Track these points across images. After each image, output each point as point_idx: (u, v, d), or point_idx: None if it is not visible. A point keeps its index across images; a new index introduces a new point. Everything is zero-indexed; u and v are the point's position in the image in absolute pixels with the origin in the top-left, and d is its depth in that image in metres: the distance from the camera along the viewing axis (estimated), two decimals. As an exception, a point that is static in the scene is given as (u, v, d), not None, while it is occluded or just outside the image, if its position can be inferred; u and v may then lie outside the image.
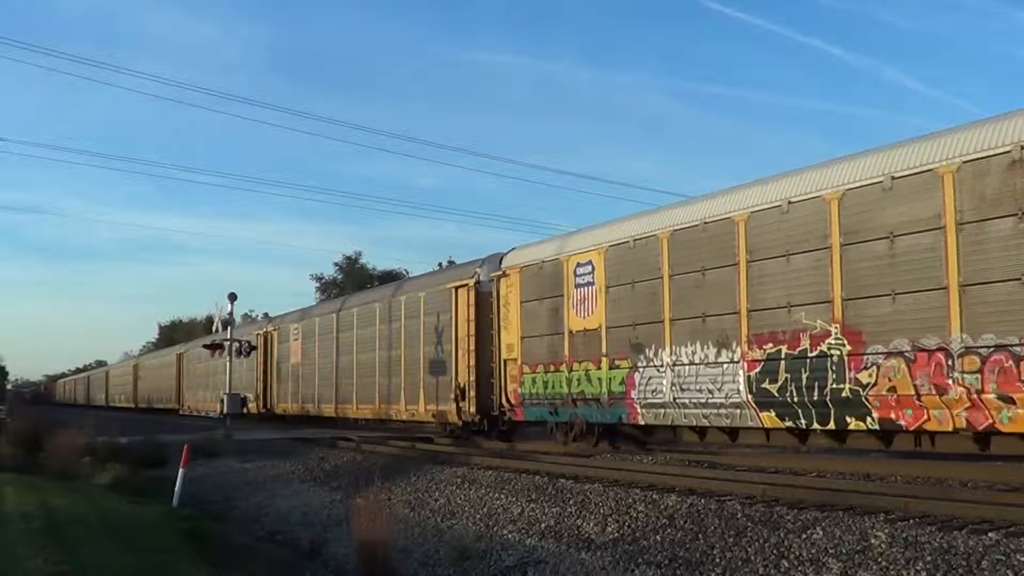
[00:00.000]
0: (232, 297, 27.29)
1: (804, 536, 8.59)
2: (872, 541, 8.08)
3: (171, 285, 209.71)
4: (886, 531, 8.24)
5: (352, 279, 61.57)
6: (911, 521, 8.62)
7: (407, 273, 58.21)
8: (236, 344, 27.44)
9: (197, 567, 9.53)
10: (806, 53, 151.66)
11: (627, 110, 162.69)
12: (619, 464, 14.91)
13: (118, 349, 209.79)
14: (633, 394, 15.73)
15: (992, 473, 11.75)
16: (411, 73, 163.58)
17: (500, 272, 19.85)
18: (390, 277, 57.25)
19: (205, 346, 33.00)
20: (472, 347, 20.37)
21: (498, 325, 19.68)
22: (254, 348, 29.23)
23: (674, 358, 14.90)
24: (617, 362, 16.21)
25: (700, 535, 9.27)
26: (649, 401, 15.43)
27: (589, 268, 17.11)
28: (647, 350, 15.48)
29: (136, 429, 28.01)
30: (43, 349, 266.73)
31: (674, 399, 14.89)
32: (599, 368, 16.61)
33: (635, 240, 16.03)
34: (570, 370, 17.38)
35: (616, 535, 9.87)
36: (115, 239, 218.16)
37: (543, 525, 10.73)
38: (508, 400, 19.39)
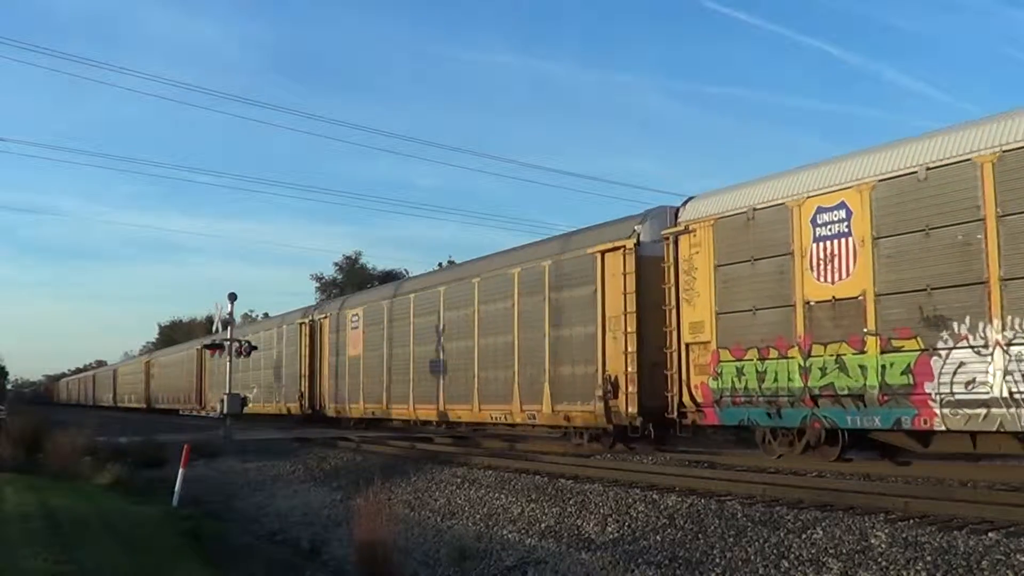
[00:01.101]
0: (232, 297, 27.25)
1: (804, 536, 8.59)
2: (872, 541, 8.08)
3: (171, 285, 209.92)
4: (886, 531, 8.24)
5: (352, 279, 61.56)
6: (911, 521, 8.63)
7: (407, 273, 58.24)
8: (236, 344, 27.40)
9: (197, 567, 9.53)
10: (806, 53, 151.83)
11: (627, 110, 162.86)
12: (619, 464, 14.91)
13: (118, 349, 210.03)
14: (928, 387, 11.70)
15: (992, 473, 11.76)
16: (411, 73, 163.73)
17: (677, 228, 15.59)
18: (390, 277, 57.27)
19: (206, 346, 32.93)
20: (631, 328, 15.97)
21: (675, 298, 15.43)
22: (254, 348, 29.05)
23: (1010, 334, 10.85)
24: (896, 343, 12.11)
25: (700, 535, 9.27)
26: (960, 398, 11.33)
27: (840, 214, 13.01)
28: (955, 324, 11.42)
29: (136, 429, 28.02)
30: (43, 349, 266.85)
31: (1011, 394, 10.84)
32: (861, 352, 12.51)
33: (928, 169, 11.93)
34: (807, 355, 13.26)
35: (616, 535, 9.87)
36: (115, 239, 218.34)
37: (543, 525, 10.73)
38: (692, 397, 15.11)
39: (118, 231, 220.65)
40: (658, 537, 9.48)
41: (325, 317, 30.44)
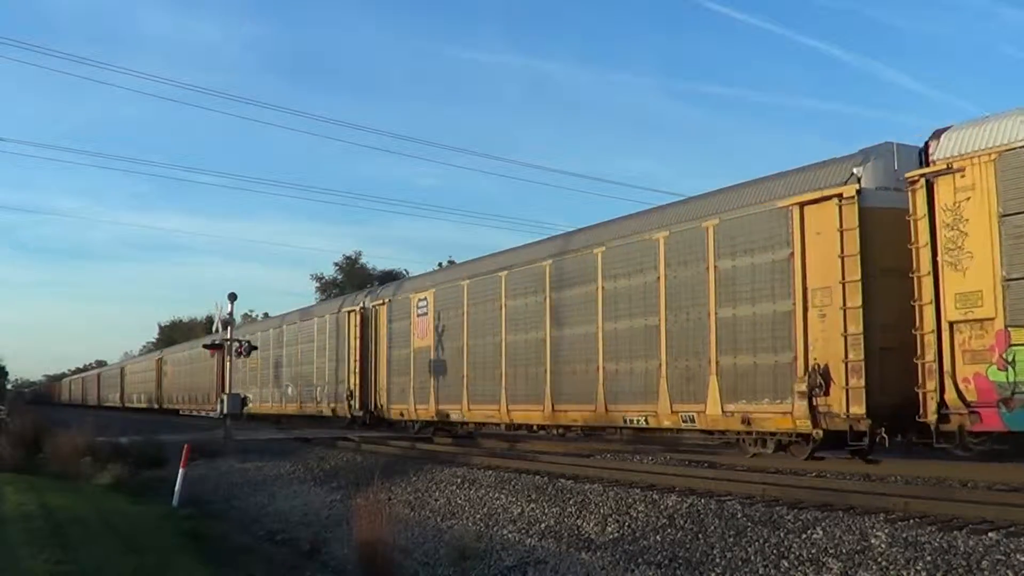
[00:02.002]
0: (232, 297, 27.24)
1: (804, 536, 8.59)
2: (872, 541, 8.08)
3: (171, 285, 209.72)
4: (886, 531, 8.24)
5: (352, 279, 61.57)
6: (911, 521, 8.63)
7: (407, 273, 58.24)
8: (236, 344, 27.39)
9: (197, 567, 9.54)
10: (805, 53, 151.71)
11: (627, 110, 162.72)
12: (619, 464, 14.91)
13: (118, 349, 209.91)
14: None
15: (992, 473, 11.75)
16: (411, 73, 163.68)
17: (933, 169, 11.72)
18: (390, 277, 57.23)
19: (205, 346, 32.78)
20: (853, 302, 12.42)
21: (930, 262, 11.62)
22: (254, 348, 29.04)
23: None
24: None
25: (700, 535, 9.27)
26: None
27: None
28: None
29: (137, 429, 28.02)
30: (43, 349, 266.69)
31: None
32: None
33: None
34: None
35: (616, 535, 9.87)
36: (115, 239, 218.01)
37: (543, 525, 10.73)
38: (958, 393, 11.26)
39: (118, 231, 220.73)
40: (658, 537, 9.48)
41: (381, 303, 25.96)
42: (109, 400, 72.35)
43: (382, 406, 25.52)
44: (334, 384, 28.68)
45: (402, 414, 24.68)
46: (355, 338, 27.18)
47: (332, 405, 28.73)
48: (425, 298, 23.53)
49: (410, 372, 23.89)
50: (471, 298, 21.30)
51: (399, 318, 24.86)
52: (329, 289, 62.90)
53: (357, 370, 26.85)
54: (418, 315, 23.66)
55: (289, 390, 32.80)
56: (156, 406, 54.38)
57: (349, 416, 27.42)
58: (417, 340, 23.60)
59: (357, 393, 26.89)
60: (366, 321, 26.92)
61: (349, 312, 28.00)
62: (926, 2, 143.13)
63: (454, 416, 21.90)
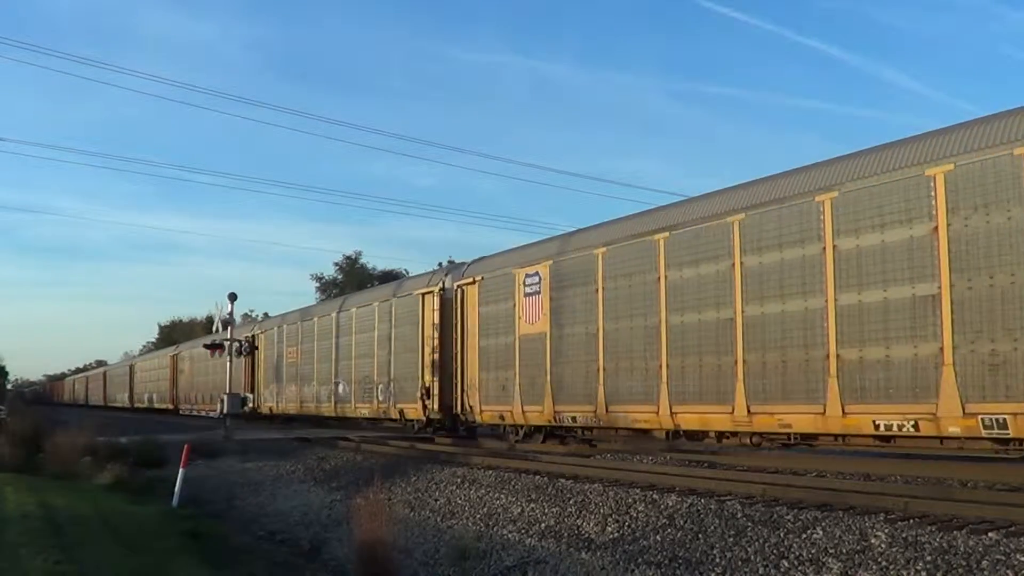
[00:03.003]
0: (232, 297, 27.32)
1: (804, 536, 8.59)
2: (872, 541, 8.08)
3: (171, 285, 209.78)
4: (886, 531, 8.24)
5: (352, 279, 61.58)
6: (911, 521, 8.63)
7: (407, 273, 58.20)
8: (236, 344, 27.41)
9: (197, 567, 9.53)
10: (805, 53, 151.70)
11: (626, 110, 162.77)
12: (619, 464, 14.90)
13: (118, 349, 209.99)
14: None
15: (992, 473, 11.74)
16: (410, 73, 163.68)
17: None
18: (390, 277, 57.23)
19: (205, 346, 32.75)
20: None
21: None
22: (255, 348, 29.09)
23: None
24: None
25: (700, 535, 9.27)
26: None
27: None
28: None
29: (137, 429, 28.03)
30: (43, 349, 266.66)
31: None
32: None
33: None
34: None
35: (616, 535, 9.87)
36: (115, 239, 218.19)
37: (543, 525, 10.73)
38: None
39: (118, 231, 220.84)
40: (658, 537, 9.48)
41: (470, 282, 21.14)
42: (116, 400, 68.51)
43: (471, 407, 20.64)
44: (402, 382, 24.06)
45: (502, 417, 19.68)
46: (432, 325, 22.58)
47: (399, 406, 24.13)
48: (536, 273, 18.76)
49: (513, 365, 19.11)
50: (610, 270, 16.64)
51: (496, 299, 20.08)
52: (329, 289, 62.91)
53: (435, 364, 22.30)
54: (526, 294, 19.03)
55: (340, 388, 28.11)
56: (171, 406, 49.92)
57: (423, 419, 22.99)
58: (525, 325, 18.96)
59: (435, 392, 22.27)
60: (447, 305, 22.20)
61: (424, 295, 23.23)
62: (926, 2, 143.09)
63: (583, 419, 17.13)
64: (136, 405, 60.48)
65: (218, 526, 12.95)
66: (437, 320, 22.46)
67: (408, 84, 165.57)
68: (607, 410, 16.34)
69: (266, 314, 67.98)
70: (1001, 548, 7.36)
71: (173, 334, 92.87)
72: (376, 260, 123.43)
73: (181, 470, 14.96)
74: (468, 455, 17.59)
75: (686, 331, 14.93)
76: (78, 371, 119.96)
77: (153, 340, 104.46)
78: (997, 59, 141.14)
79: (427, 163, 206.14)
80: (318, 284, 65.91)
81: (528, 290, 19.09)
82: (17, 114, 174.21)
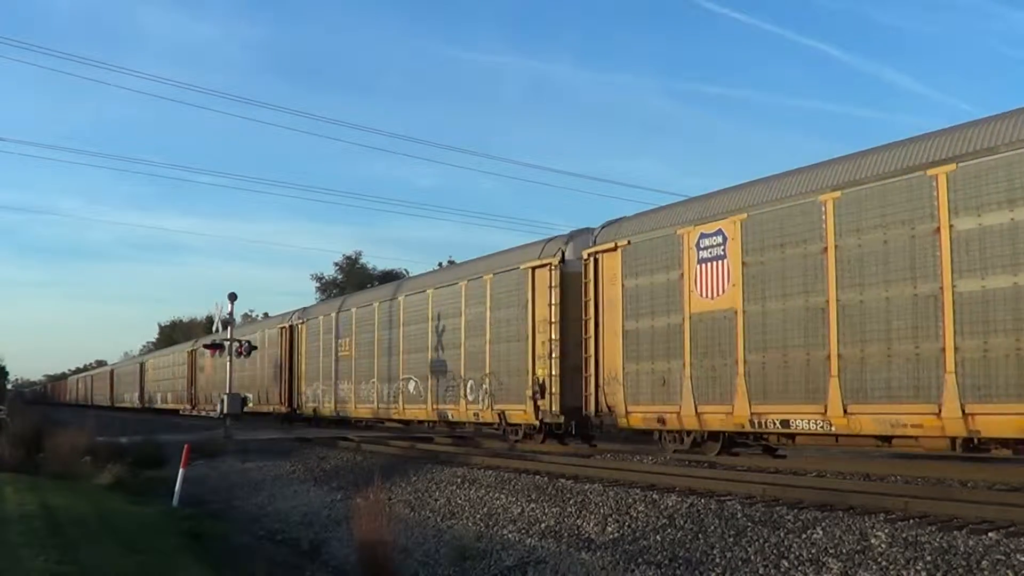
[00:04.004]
0: (232, 297, 27.28)
1: (804, 536, 8.59)
2: (872, 541, 8.08)
3: (171, 285, 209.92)
4: (886, 531, 8.24)
5: (352, 279, 61.58)
6: (911, 521, 8.63)
7: (407, 273, 58.16)
8: (236, 344, 27.40)
9: (197, 567, 9.54)
10: (806, 54, 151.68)
11: (626, 110, 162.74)
12: (619, 464, 14.89)
13: (118, 349, 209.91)
14: None
15: (992, 473, 11.74)
16: (410, 73, 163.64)
17: None
18: (390, 277, 57.23)
19: (206, 346, 32.64)
20: None
21: None
22: (254, 348, 29.02)
23: None
24: None
25: (700, 535, 9.27)
26: None
27: None
28: None
29: (137, 429, 28.03)
30: (43, 349, 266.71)
31: None
32: None
33: None
34: None
35: (616, 535, 9.87)
36: (115, 239, 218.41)
37: (543, 525, 10.73)
38: None
39: (118, 231, 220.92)
40: (658, 537, 9.48)
41: (608, 248, 16.81)
42: (125, 400, 64.33)
43: (611, 408, 16.51)
44: (503, 377, 19.61)
45: (662, 420, 15.42)
46: (549, 306, 18.07)
47: (499, 408, 19.64)
48: (719, 232, 14.61)
49: (680, 352, 15.02)
50: (847, 221, 12.57)
51: (651, 268, 15.86)
52: (329, 289, 62.93)
53: (553, 354, 17.93)
54: (701, 260, 14.86)
55: (411, 386, 23.63)
56: (189, 407, 45.42)
57: (535, 422, 18.50)
58: (700, 300, 14.79)
59: (554, 389, 17.91)
60: (571, 280, 17.89)
61: (535, 269, 18.77)
62: (926, 2, 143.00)
63: (803, 422, 12.91)
64: (147, 405, 56.83)
65: (218, 526, 12.96)
66: (556, 299, 17.94)
67: (408, 84, 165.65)
68: (845, 410, 12.29)
69: (266, 314, 68.00)
70: (1001, 548, 7.36)
71: (173, 334, 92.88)
72: (376, 260, 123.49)
73: (181, 470, 14.97)
74: (468, 455, 17.60)
75: (990, 301, 10.88)
76: (78, 371, 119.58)
77: (153, 340, 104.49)
78: (997, 59, 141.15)
79: (427, 163, 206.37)
80: (318, 284, 65.94)
81: (705, 254, 14.80)
82: (17, 114, 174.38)
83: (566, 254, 18.30)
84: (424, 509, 12.79)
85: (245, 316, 68.50)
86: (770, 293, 13.57)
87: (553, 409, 17.85)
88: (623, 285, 16.44)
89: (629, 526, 10.07)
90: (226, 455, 21.31)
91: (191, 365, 45.80)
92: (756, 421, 13.56)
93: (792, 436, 13.68)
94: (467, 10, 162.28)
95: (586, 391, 17.05)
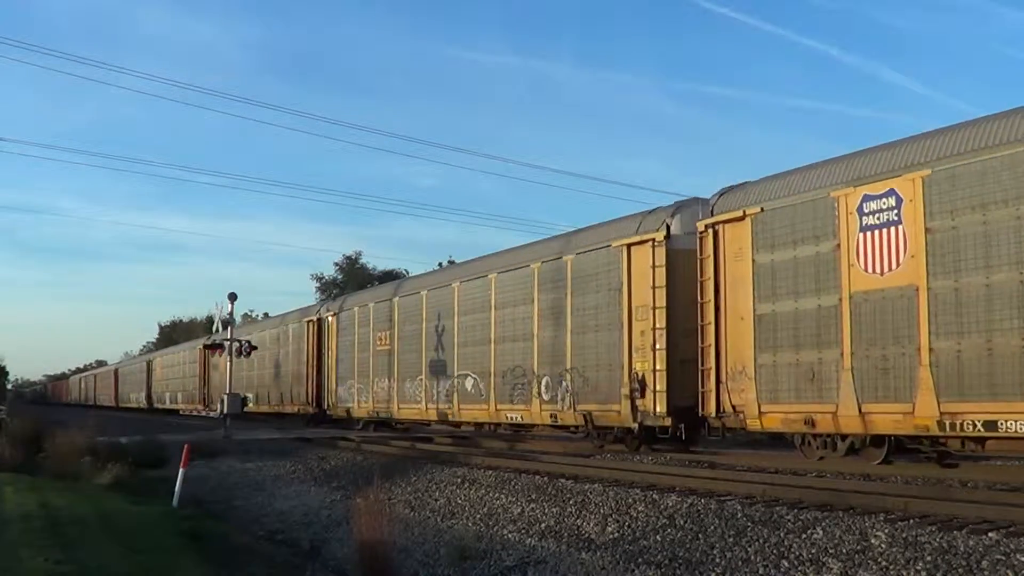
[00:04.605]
0: (232, 297, 27.31)
1: (804, 536, 8.59)
2: (872, 541, 8.08)
3: (171, 285, 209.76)
4: (886, 531, 8.24)
5: (352, 279, 61.59)
6: (911, 521, 8.63)
7: (406, 273, 58.15)
8: (236, 344, 27.41)
9: (197, 567, 9.54)
10: (805, 54, 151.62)
11: (626, 110, 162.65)
12: (619, 464, 14.89)
13: (118, 349, 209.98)
14: None
15: (992, 473, 11.75)
16: (410, 73, 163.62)
17: None
18: (389, 277, 57.24)
19: (206, 346, 32.59)
20: None
21: None
22: (254, 348, 28.99)
23: None
24: None
25: (700, 535, 9.27)
26: None
27: None
28: None
29: (136, 429, 28.03)
30: (43, 349, 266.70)
31: None
32: None
33: None
34: None
35: (616, 535, 9.87)
36: (115, 239, 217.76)
37: (543, 525, 10.73)
38: None
39: (118, 231, 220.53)
40: (658, 537, 9.48)
41: (736, 219, 14.43)
42: (131, 400, 62.46)
43: (739, 407, 14.08)
44: (589, 372, 17.20)
45: (810, 422, 13.09)
46: (651, 289, 15.71)
47: (583, 408, 17.16)
48: (890, 192, 12.29)
49: (836, 340, 12.77)
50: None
51: (794, 239, 13.50)
52: (329, 289, 62.93)
53: (656, 345, 15.56)
54: (865, 228, 12.56)
55: (467, 384, 21.24)
56: (201, 407, 43.24)
57: (633, 425, 16.14)
58: (864, 277, 12.50)
59: (657, 385, 15.46)
60: (679, 258, 15.54)
61: (632, 246, 16.27)
62: (926, 2, 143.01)
63: (1017, 425, 10.64)
64: (155, 405, 54.43)
65: (218, 526, 12.95)
66: (660, 281, 15.55)
67: (408, 84, 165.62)
68: None
69: (266, 314, 67.83)
70: (1001, 548, 7.36)
71: (173, 334, 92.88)
72: (376, 260, 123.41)
73: (181, 470, 14.96)
74: (468, 455, 17.60)
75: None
76: (79, 371, 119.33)
77: (153, 340, 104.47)
78: (997, 59, 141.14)
79: (427, 163, 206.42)
80: (318, 284, 65.96)
81: (870, 220, 12.52)
82: (17, 114, 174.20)
83: (672, 228, 15.80)
84: (424, 509, 12.78)
85: (245, 316, 68.52)
86: (968, 265, 11.19)
87: (657, 409, 15.39)
88: (754, 261, 14.03)
89: (629, 526, 10.07)
90: (226, 455, 21.30)
91: (203, 363, 43.22)
92: (948, 423, 11.14)
93: (980, 441, 11.53)
94: (467, 10, 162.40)
95: (703, 387, 14.65)
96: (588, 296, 17.37)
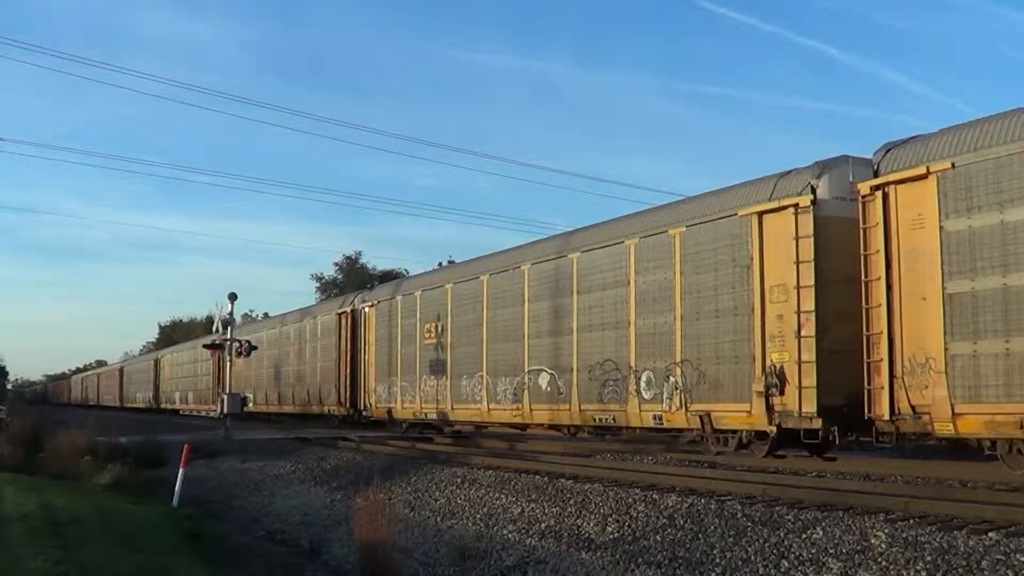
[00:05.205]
0: (232, 297, 27.26)
1: (804, 536, 8.59)
2: (872, 541, 8.08)
3: (171, 285, 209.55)
4: (886, 531, 8.24)
5: (352, 279, 61.61)
6: (911, 521, 8.62)
7: (407, 273, 58.14)
8: (236, 344, 27.39)
9: (197, 567, 9.54)
10: (805, 53, 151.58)
11: (626, 110, 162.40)
12: (619, 464, 14.89)
13: (118, 349, 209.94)
14: None
15: (992, 473, 11.74)
16: (410, 73, 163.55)
17: None
18: (389, 277, 57.23)
19: (206, 346, 32.50)
20: None
21: None
22: (254, 348, 28.95)
23: None
24: None
25: (700, 535, 9.27)
26: None
27: None
28: None
29: (137, 429, 28.03)
30: (43, 349, 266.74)
31: None
32: None
33: None
34: None
35: (616, 535, 9.87)
36: (115, 239, 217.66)
37: (543, 525, 10.73)
38: None
39: (118, 231, 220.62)
40: (658, 537, 9.48)
41: (913, 177, 12.01)
42: (137, 400, 60.38)
43: (920, 407, 11.63)
44: (703, 366, 14.69)
45: None
46: (796, 263, 13.23)
47: (699, 408, 14.70)
48: None
49: None
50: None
51: (998, 201, 11.05)
52: (329, 289, 62.94)
53: (801, 332, 13.03)
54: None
55: (541, 380, 18.73)
56: (216, 409, 38.58)
57: (768, 428, 13.50)
58: None
59: (805, 381, 12.95)
60: (826, 228, 13.24)
61: (761, 215, 13.91)
62: (926, 2, 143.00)
63: None
64: (162, 406, 52.07)
65: (218, 526, 12.96)
66: (807, 254, 13.16)
67: (408, 84, 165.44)
68: None
69: (266, 314, 67.67)
70: (1001, 548, 7.36)
71: (173, 334, 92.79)
72: (376, 260, 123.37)
73: (181, 470, 14.97)
74: (468, 455, 17.59)
75: None
76: (79, 371, 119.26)
77: (153, 340, 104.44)
78: (997, 59, 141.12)
79: (427, 163, 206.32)
80: (318, 284, 66.00)
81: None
82: (17, 114, 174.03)
83: (819, 190, 13.42)
84: (424, 509, 12.78)
85: (245, 316, 68.38)
86: None
87: (804, 409, 12.83)
88: (942, 228, 11.51)
89: (629, 526, 10.07)
90: (226, 455, 21.30)
91: (218, 361, 38.02)
92: None
93: None
94: (466, 11, 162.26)
95: (871, 384, 12.19)
96: (704, 275, 14.78)
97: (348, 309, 28.98)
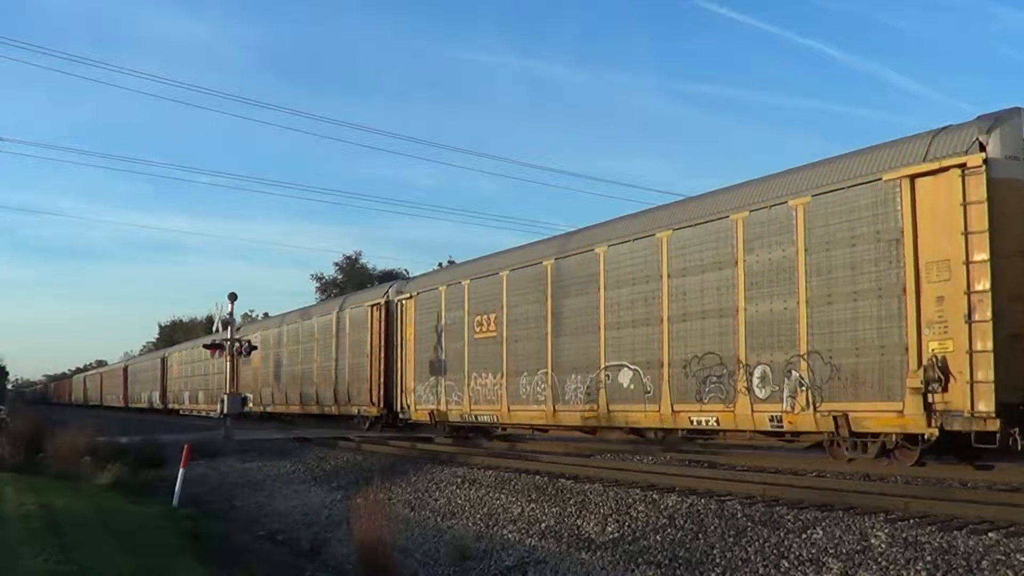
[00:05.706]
0: (232, 297, 27.28)
1: (804, 536, 8.59)
2: (872, 541, 8.08)
3: (171, 285, 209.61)
4: (886, 531, 8.24)
5: (352, 279, 61.60)
6: (911, 521, 8.62)
7: (407, 273, 58.13)
8: (236, 344, 27.40)
9: (197, 567, 9.54)
10: (805, 54, 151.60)
11: (626, 110, 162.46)
12: (619, 464, 14.89)
13: (118, 349, 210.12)
14: None
15: (992, 473, 11.74)
16: (410, 73, 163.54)
17: None
18: (389, 277, 57.21)
19: (205, 346, 32.52)
20: None
21: None
22: (254, 348, 28.95)
23: None
24: None
25: (700, 535, 9.27)
26: None
27: None
28: None
29: (136, 429, 28.03)
30: (43, 349, 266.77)
31: None
32: None
33: None
34: None
35: (616, 535, 9.87)
36: (115, 239, 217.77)
37: (543, 525, 10.73)
38: None
39: (118, 231, 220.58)
40: (658, 537, 9.48)
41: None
42: (141, 400, 58.30)
43: None
44: (840, 357, 12.60)
45: None
46: (964, 233, 11.13)
47: (832, 407, 12.59)
48: None
49: None
50: None
51: None
52: (329, 289, 62.92)
53: (973, 315, 10.93)
54: None
55: (622, 377, 16.52)
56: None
57: (927, 431, 11.40)
58: None
59: (979, 374, 10.88)
60: (1002, 192, 11.20)
61: (913, 178, 11.81)
62: (926, 2, 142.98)
63: None
64: (169, 406, 50.23)
65: (218, 526, 12.96)
66: (979, 223, 11.01)
67: (408, 84, 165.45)
68: None
69: (266, 314, 67.65)
70: (1001, 548, 7.36)
71: (173, 334, 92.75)
72: (376, 260, 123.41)
73: (181, 470, 14.97)
74: (468, 455, 17.60)
75: None
76: (79, 371, 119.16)
77: (153, 340, 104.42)
78: (997, 59, 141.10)
79: (427, 163, 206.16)
80: (318, 284, 65.98)
81: None
82: (17, 114, 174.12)
83: (988, 149, 11.23)
84: (424, 509, 12.79)
85: (245, 316, 68.34)
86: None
87: (978, 407, 10.73)
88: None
89: (629, 526, 10.07)
90: (226, 455, 21.31)
91: (231, 359, 38.91)
92: None
93: None
94: (466, 10, 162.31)
95: None
96: (837, 251, 12.69)
97: (382, 301, 26.47)
